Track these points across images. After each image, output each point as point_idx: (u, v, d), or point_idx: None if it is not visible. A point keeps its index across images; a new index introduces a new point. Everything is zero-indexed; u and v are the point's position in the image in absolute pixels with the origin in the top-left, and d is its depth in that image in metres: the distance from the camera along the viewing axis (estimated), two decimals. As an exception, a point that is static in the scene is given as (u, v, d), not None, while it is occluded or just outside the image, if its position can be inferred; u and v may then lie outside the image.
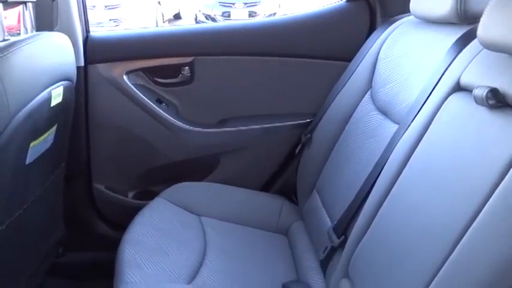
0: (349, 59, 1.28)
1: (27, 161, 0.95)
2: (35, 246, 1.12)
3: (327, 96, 1.31)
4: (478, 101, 0.65)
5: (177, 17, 7.97)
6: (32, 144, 0.94)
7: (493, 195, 0.56)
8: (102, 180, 1.41)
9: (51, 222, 1.22)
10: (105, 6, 6.34)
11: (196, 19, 7.36)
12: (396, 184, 0.81)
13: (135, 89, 1.34)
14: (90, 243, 1.45)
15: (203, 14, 7.28)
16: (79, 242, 1.44)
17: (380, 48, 1.16)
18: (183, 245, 1.08)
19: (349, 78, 1.23)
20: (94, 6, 6.12)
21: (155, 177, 1.44)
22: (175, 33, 1.42)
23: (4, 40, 0.92)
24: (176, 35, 1.40)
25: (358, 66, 1.22)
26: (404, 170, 0.80)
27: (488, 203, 0.56)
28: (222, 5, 7.20)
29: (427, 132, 0.79)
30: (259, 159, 1.44)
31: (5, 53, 0.83)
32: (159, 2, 7.05)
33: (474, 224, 0.57)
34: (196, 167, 1.43)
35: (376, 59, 1.16)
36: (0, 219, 0.89)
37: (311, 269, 1.08)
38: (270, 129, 1.41)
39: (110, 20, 6.32)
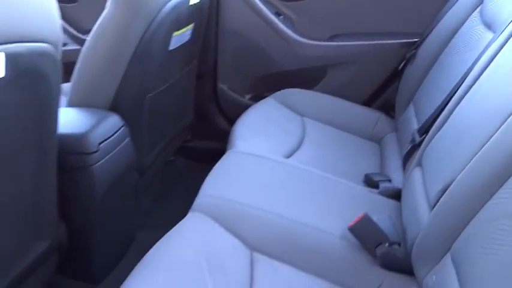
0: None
1: (170, 47, 1.20)
2: (172, 120, 1.42)
3: (437, 14, 1.33)
4: None
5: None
6: (174, 34, 1.19)
7: None
8: (225, 81, 1.66)
9: (184, 106, 1.51)
10: None
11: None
12: (475, 85, 0.88)
13: (258, 1, 1.52)
14: (212, 134, 1.75)
15: None
16: (203, 132, 1.74)
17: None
18: (285, 133, 1.28)
19: (462, -5, 1.24)
20: None
21: (269, 83, 1.64)
22: None
23: None
24: None
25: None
26: (485, 71, 0.86)
27: None
28: None
29: None
30: (365, 74, 1.54)
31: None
32: None
33: None
34: (305, 77, 1.59)
35: None
36: (150, 89, 1.18)
37: (394, 167, 1.20)
38: (377, 46, 1.49)
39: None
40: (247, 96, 1.69)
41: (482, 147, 0.69)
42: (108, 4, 1.04)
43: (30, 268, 0.90)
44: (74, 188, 0.98)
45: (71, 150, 0.94)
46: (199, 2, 1.27)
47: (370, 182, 1.13)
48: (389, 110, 1.52)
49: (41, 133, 0.80)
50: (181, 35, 1.25)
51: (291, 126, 1.33)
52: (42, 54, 0.68)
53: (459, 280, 0.64)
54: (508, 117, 0.66)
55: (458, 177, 0.72)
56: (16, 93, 0.67)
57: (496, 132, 0.68)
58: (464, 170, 0.71)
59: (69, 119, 0.99)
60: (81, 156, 0.95)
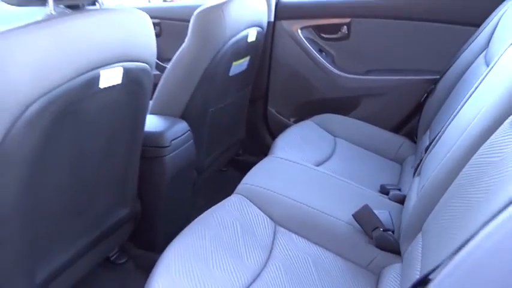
0: (478, 25, 1.51)
1: (230, 73, 1.54)
2: (227, 133, 1.73)
3: (454, 56, 1.57)
4: None
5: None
6: (234, 63, 1.52)
7: None
8: (274, 105, 1.97)
9: (237, 123, 1.83)
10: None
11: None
12: (462, 108, 1.11)
13: (305, 40, 1.83)
14: (260, 151, 2.04)
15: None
16: (253, 148, 2.05)
17: (504, 12, 1.38)
18: (317, 149, 1.55)
19: (475, 39, 1.47)
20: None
21: (311, 108, 1.92)
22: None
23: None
24: (340, 2, 1.82)
25: (483, 29, 1.45)
26: (471, 97, 1.09)
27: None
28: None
29: (496, 65, 1.06)
30: (393, 105, 1.79)
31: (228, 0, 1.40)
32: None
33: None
34: (342, 105, 1.86)
35: (498, 20, 1.38)
36: (212, 105, 1.50)
37: (408, 181, 1.42)
38: (405, 81, 1.74)
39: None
40: (292, 119, 1.98)
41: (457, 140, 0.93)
42: (186, 39, 1.39)
43: (113, 227, 1.22)
44: (150, 173, 1.30)
45: (151, 144, 1.27)
46: (256, 40, 1.60)
47: (383, 190, 1.36)
48: (413, 136, 1.74)
49: (134, 128, 1.13)
50: (240, 65, 1.58)
51: (324, 143, 1.60)
52: (143, 71, 1.02)
53: (422, 248, 0.87)
54: (466, 129, 0.90)
55: (433, 173, 0.96)
56: (125, 96, 1.01)
57: (459, 138, 0.91)
58: (437, 167, 0.95)
59: (151, 122, 1.33)
60: (158, 148, 1.28)
